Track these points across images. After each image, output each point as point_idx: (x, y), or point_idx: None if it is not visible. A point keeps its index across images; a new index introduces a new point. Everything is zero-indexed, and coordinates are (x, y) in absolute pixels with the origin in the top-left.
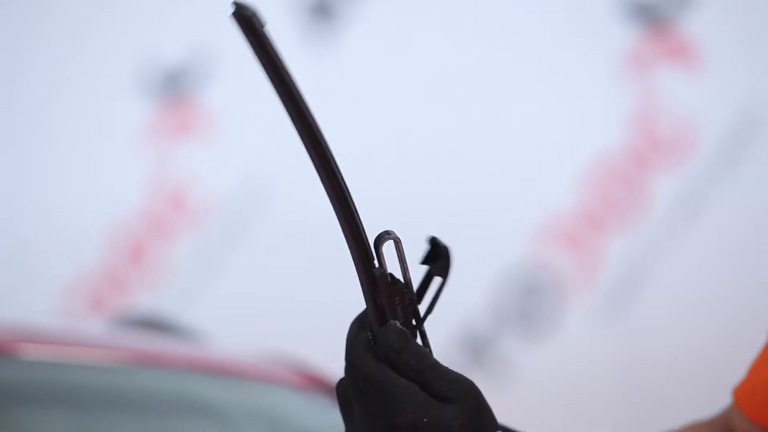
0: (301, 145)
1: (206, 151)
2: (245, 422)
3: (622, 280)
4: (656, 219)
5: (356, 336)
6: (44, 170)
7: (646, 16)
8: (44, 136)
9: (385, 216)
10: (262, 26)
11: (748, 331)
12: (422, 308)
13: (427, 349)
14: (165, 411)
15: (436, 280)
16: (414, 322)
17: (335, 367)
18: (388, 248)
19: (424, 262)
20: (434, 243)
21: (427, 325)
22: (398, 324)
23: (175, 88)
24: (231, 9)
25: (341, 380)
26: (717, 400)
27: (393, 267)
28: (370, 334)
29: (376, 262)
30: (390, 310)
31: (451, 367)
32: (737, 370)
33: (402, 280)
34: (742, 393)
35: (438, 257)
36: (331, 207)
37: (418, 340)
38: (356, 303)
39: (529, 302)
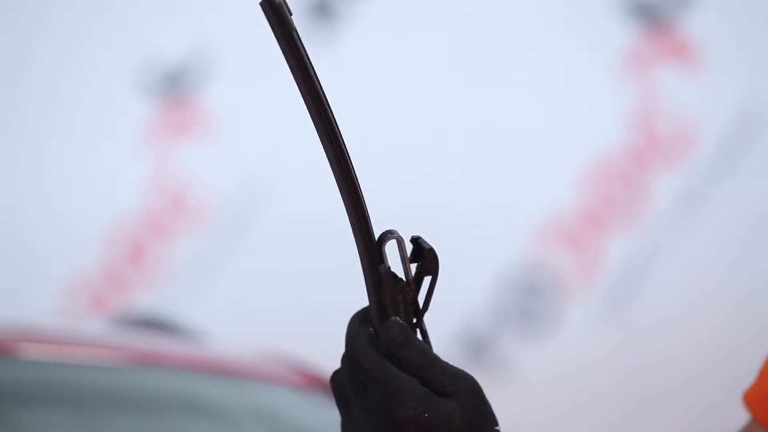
0: (309, 143)
1: (206, 151)
2: (245, 422)
3: (622, 279)
4: (656, 218)
5: (358, 330)
6: (44, 170)
7: (646, 15)
8: (44, 135)
9: (384, 215)
10: (290, 15)
11: (748, 330)
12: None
13: (429, 346)
14: (165, 411)
15: (428, 279)
16: (415, 320)
17: (335, 367)
18: (389, 248)
19: (412, 261)
20: (417, 244)
21: (428, 324)
22: (400, 320)
23: (175, 88)
24: None
25: (336, 372)
26: (717, 400)
27: (395, 266)
28: (372, 329)
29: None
30: (392, 308)
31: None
32: (737, 369)
33: (404, 278)
34: (754, 398)
35: (424, 257)
36: (332, 206)
37: (420, 338)
38: (356, 303)
39: (529, 301)
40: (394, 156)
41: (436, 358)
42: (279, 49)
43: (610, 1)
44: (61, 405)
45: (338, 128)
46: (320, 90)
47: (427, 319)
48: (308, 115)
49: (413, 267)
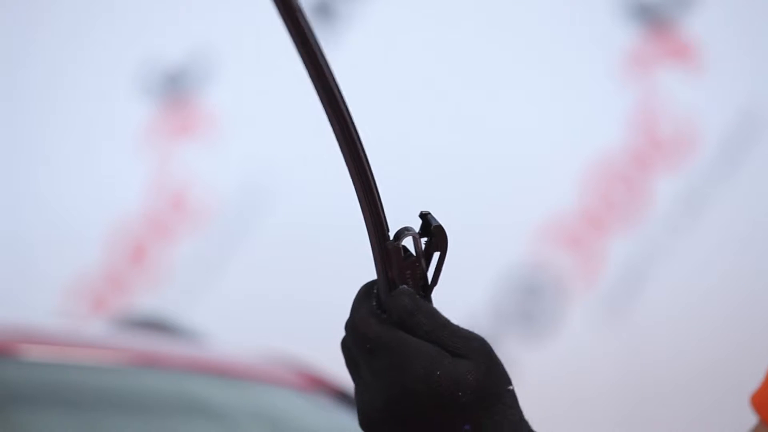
0: (309, 144)
1: (207, 152)
2: (246, 423)
3: (623, 280)
4: (657, 219)
5: (361, 302)
6: (45, 171)
7: (647, 16)
8: (45, 137)
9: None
10: None
11: (748, 331)
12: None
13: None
14: (166, 412)
15: (436, 255)
16: (424, 295)
17: (336, 368)
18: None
19: (420, 237)
20: (426, 220)
21: None
22: (407, 288)
23: (175, 89)
24: None
25: (344, 339)
26: (717, 401)
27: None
28: (375, 302)
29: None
30: (400, 282)
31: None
32: (738, 370)
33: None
34: (762, 400)
35: (433, 234)
36: (333, 206)
37: None
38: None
39: (530, 302)
40: (395, 156)
41: (447, 322)
42: (287, 36)
43: (612, 2)
44: (62, 406)
45: (345, 103)
46: (326, 68)
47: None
48: (316, 96)
49: (422, 242)
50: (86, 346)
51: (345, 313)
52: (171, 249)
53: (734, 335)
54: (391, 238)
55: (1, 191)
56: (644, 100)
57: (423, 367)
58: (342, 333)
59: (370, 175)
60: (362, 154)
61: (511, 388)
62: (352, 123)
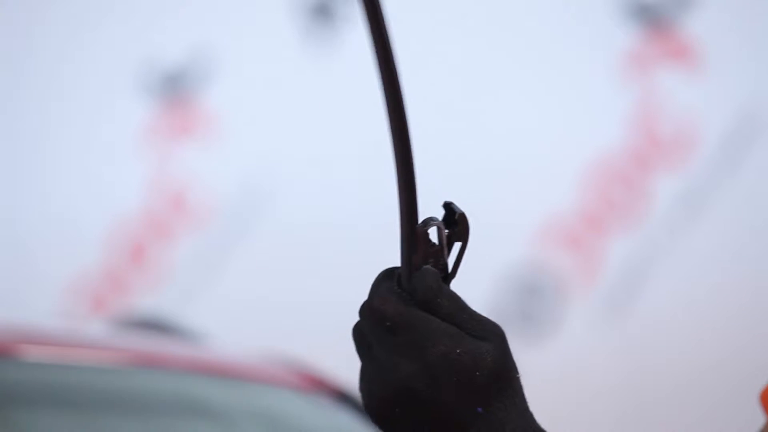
0: (309, 145)
1: (207, 152)
2: (245, 423)
3: (623, 280)
4: (657, 219)
5: (380, 283)
6: (45, 171)
7: (647, 17)
8: (45, 136)
9: (385, 216)
10: None
11: (748, 331)
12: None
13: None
14: (165, 412)
15: (457, 246)
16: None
17: (336, 368)
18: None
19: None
20: (450, 209)
21: None
22: (432, 268)
23: (175, 89)
24: None
25: (357, 323)
26: (718, 401)
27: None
28: (396, 285)
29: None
30: (422, 266)
31: None
32: (738, 370)
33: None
34: None
35: (455, 223)
36: (332, 207)
37: None
38: (356, 303)
39: (530, 303)
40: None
41: (466, 306)
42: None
43: (611, 2)
44: (62, 406)
45: (402, 88)
46: (393, 58)
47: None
48: (375, 65)
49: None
50: (86, 347)
51: (344, 312)
52: (171, 249)
53: (734, 335)
54: (417, 200)
55: (1, 191)
56: (644, 100)
57: (445, 344)
58: (341, 335)
59: (411, 153)
60: (407, 129)
61: (518, 376)
62: (404, 101)
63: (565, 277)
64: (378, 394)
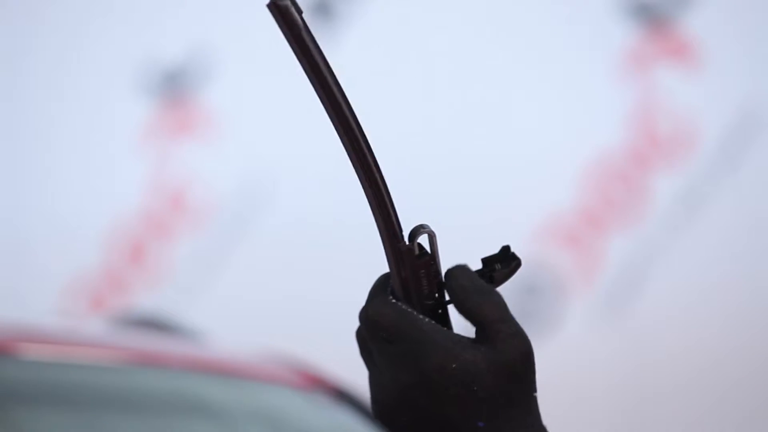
0: (308, 143)
1: (206, 151)
2: (245, 422)
3: (622, 279)
4: (656, 218)
5: (376, 291)
6: (44, 170)
7: (646, 15)
8: (44, 135)
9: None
10: (301, 13)
11: (748, 330)
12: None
13: (447, 318)
14: (165, 410)
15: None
16: (438, 292)
17: (336, 366)
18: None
19: (484, 260)
20: (506, 253)
21: None
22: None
23: (175, 88)
24: None
25: (359, 329)
26: (717, 400)
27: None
28: (390, 294)
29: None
30: (414, 282)
31: None
32: (737, 369)
33: (428, 251)
34: None
35: (502, 265)
36: (332, 206)
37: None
38: (356, 302)
39: (530, 301)
40: (393, 155)
41: (504, 313)
42: (290, 50)
43: (611, 1)
44: (61, 405)
45: (345, 98)
46: (335, 85)
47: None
48: (324, 111)
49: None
50: (85, 345)
51: (344, 312)
52: (170, 248)
53: (733, 333)
54: (407, 235)
55: (1, 190)
56: (643, 99)
57: (439, 357)
58: (341, 333)
59: (379, 177)
60: (370, 155)
61: (534, 395)
62: (358, 124)
63: (565, 275)
64: (382, 402)
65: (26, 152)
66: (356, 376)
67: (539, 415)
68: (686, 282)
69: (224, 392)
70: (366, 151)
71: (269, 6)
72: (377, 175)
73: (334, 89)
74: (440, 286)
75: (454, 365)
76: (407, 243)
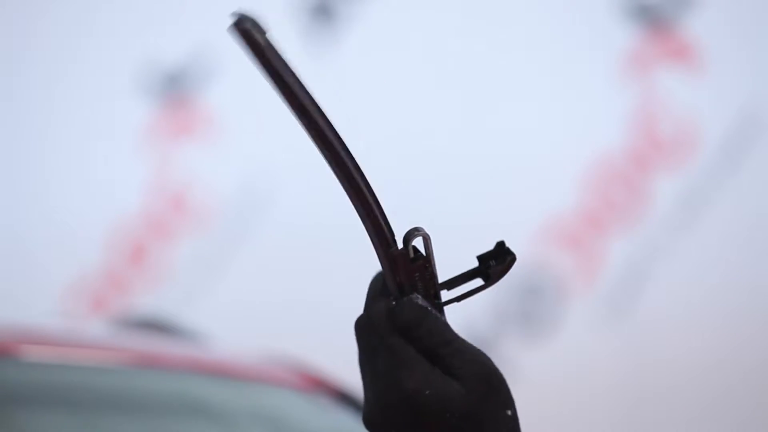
0: (310, 145)
1: (207, 153)
2: (246, 423)
3: (623, 280)
4: (657, 219)
5: (376, 297)
6: (44, 172)
7: (648, 17)
8: (45, 137)
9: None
10: (263, 34)
11: (748, 331)
12: (451, 294)
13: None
14: (166, 412)
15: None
16: (434, 295)
17: (336, 368)
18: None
19: (480, 258)
20: (501, 249)
21: None
22: (418, 298)
23: (176, 90)
24: (230, 21)
25: (359, 318)
26: (717, 400)
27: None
28: (392, 298)
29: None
30: (409, 286)
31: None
32: (738, 370)
33: (423, 253)
34: None
35: (497, 262)
36: (333, 207)
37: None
38: (357, 304)
39: (530, 303)
40: (394, 157)
41: (452, 339)
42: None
43: (611, 2)
44: (63, 406)
45: (329, 123)
46: (307, 100)
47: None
48: (291, 113)
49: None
50: (86, 347)
51: (345, 314)
52: (171, 249)
53: (734, 335)
54: (401, 240)
55: (1, 192)
56: (644, 101)
57: (415, 382)
58: (341, 335)
59: (364, 185)
60: (351, 164)
61: (510, 413)
62: (337, 136)
63: (566, 277)
64: (369, 412)
65: (28, 154)
66: (357, 378)
67: (518, 430)
68: (687, 283)
69: (225, 394)
70: (347, 160)
71: (230, 29)
72: (361, 183)
73: (307, 105)
74: (436, 287)
75: (427, 391)
76: (401, 247)
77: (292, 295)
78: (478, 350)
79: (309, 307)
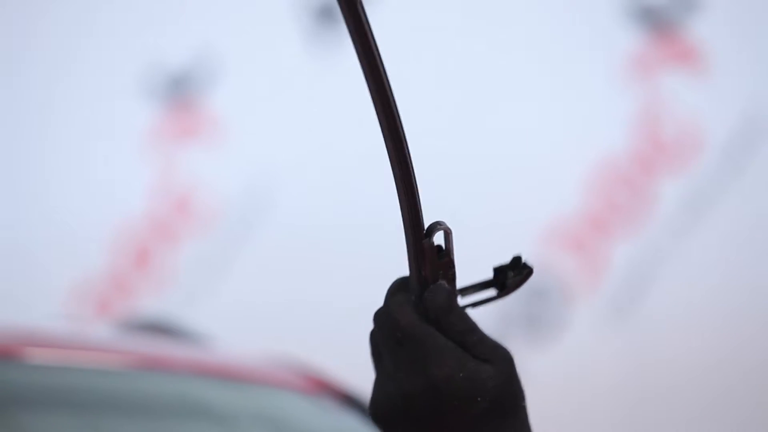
0: (314, 148)
1: (211, 155)
2: (250, 426)
3: (627, 283)
4: (661, 222)
5: (395, 292)
6: (48, 174)
7: (652, 19)
8: (48, 139)
9: (389, 217)
10: None
11: (752, 334)
12: (463, 302)
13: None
14: (170, 414)
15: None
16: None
17: (340, 370)
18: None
19: (496, 269)
20: (518, 263)
21: None
22: (446, 284)
23: (180, 92)
24: None
25: (372, 330)
26: (722, 403)
27: None
28: (413, 296)
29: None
30: (432, 280)
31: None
32: (741, 372)
33: (449, 255)
34: None
35: (514, 273)
36: (338, 210)
37: None
38: (361, 306)
39: (535, 305)
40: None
41: (476, 326)
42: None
43: (615, 5)
44: (66, 409)
45: (395, 101)
46: (381, 65)
47: None
48: (365, 83)
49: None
50: (90, 349)
51: (349, 316)
52: (175, 252)
53: (738, 337)
54: (421, 210)
55: (4, 194)
56: (648, 103)
57: (448, 366)
58: (346, 336)
59: (411, 171)
60: (405, 141)
61: (524, 404)
62: (397, 108)
63: (570, 279)
64: (383, 404)
65: (31, 156)
66: (361, 380)
67: (529, 426)
68: (691, 286)
69: (228, 396)
70: (402, 136)
71: None
72: (409, 161)
73: (381, 68)
74: (456, 290)
75: (461, 374)
76: (429, 239)
77: (295, 297)
78: (497, 340)
79: (312, 309)
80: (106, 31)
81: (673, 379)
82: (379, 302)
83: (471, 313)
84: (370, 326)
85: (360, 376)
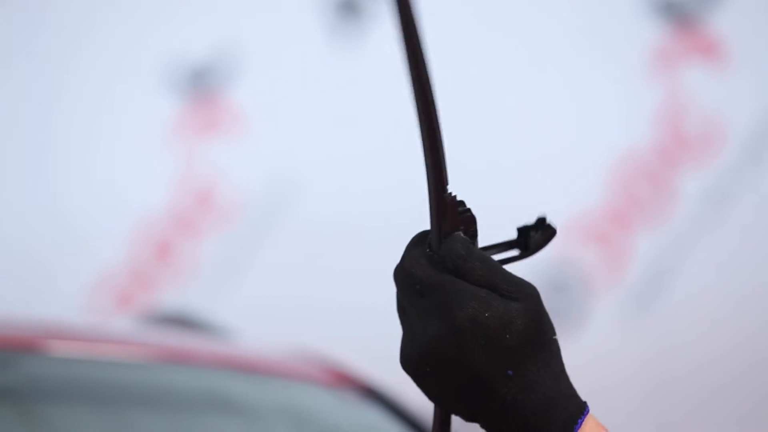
0: (336, 141)
1: (233, 149)
2: (272, 419)
3: (650, 277)
4: (683, 216)
5: (413, 247)
6: (70, 168)
7: (674, 13)
8: (71, 133)
9: (412, 211)
10: None
11: None
12: None
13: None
14: (192, 408)
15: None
16: None
17: (361, 364)
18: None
19: (520, 229)
20: (542, 224)
21: None
22: (461, 234)
23: (202, 85)
24: None
25: (397, 267)
26: (743, 397)
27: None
28: (428, 249)
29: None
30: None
31: None
32: (765, 365)
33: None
34: None
35: (537, 233)
36: (359, 204)
37: None
38: (382, 301)
39: (557, 299)
40: (419, 156)
41: (499, 267)
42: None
43: None
44: (89, 402)
45: (421, 36)
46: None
47: None
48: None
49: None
50: (113, 342)
51: (371, 310)
52: (197, 245)
53: (761, 330)
54: (445, 167)
55: (28, 187)
56: (670, 97)
57: (472, 307)
58: (367, 331)
59: (437, 122)
60: (433, 97)
61: (555, 337)
62: (426, 59)
63: (592, 273)
64: (409, 353)
65: (54, 150)
66: (383, 374)
67: (561, 358)
68: (713, 280)
69: (251, 389)
70: (430, 85)
71: None
72: (436, 118)
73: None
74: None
75: (487, 314)
76: (452, 195)
77: (318, 291)
78: (521, 278)
79: (334, 303)
80: (128, 25)
81: (695, 372)
82: None
83: None
84: (392, 321)
85: (380, 369)
